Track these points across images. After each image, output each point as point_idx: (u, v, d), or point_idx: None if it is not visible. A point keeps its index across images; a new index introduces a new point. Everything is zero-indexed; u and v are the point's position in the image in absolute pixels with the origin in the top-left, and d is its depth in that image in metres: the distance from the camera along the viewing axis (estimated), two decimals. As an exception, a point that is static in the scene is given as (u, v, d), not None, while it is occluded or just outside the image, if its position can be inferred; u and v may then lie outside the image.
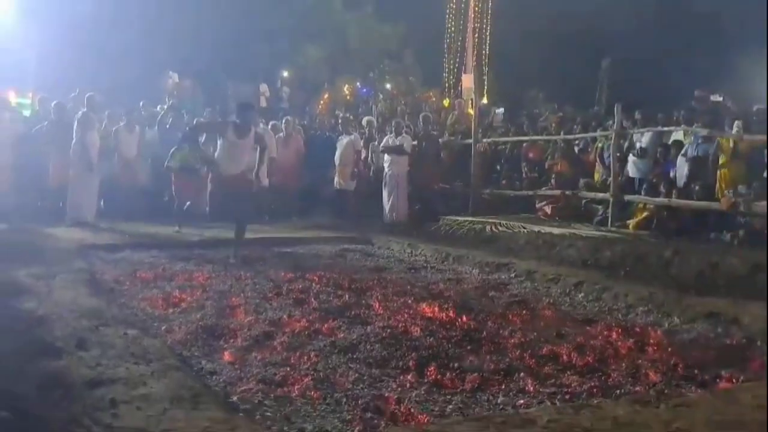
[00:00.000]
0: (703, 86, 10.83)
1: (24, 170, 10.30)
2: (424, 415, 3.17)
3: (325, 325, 4.63)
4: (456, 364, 3.88)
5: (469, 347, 4.25)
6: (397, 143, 11.18)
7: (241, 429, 2.70)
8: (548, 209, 10.25)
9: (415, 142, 11.75)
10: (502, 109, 15.82)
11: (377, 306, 5.29)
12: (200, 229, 9.21)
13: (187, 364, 3.79)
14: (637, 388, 3.61)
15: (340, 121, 13.87)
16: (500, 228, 9.38)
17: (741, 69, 14.63)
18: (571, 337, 4.59)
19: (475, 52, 21.33)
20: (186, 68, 18.77)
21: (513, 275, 6.98)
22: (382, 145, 11.59)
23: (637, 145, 9.69)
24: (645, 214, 8.92)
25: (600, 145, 10.35)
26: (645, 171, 9.50)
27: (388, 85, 21.53)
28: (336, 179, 11.52)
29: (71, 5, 17.07)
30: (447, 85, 22.20)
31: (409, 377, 3.69)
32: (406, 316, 4.98)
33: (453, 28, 22.01)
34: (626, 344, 4.41)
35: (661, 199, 8.60)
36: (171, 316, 4.89)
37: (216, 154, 7.47)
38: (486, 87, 20.82)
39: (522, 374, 3.75)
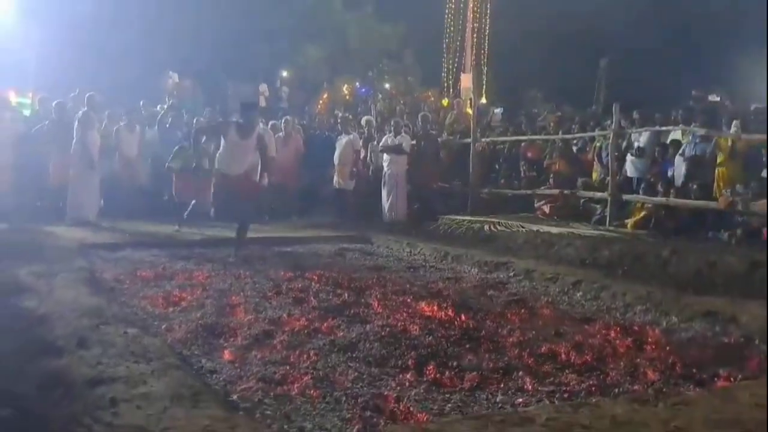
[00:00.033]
0: (701, 86, 10.85)
1: (24, 170, 10.30)
2: (423, 414, 3.18)
3: (325, 324, 4.65)
4: (455, 363, 3.89)
5: (467, 346, 4.26)
6: (396, 143, 11.19)
7: (241, 427, 2.71)
8: (547, 208, 10.26)
9: (414, 142, 11.76)
10: (500, 109, 15.84)
11: (376, 305, 5.31)
12: (201, 228, 9.23)
13: (187, 362, 3.80)
14: (636, 387, 3.62)
15: (339, 120, 13.89)
16: (499, 227, 9.39)
17: (739, 69, 14.65)
18: (570, 335, 4.60)
19: (474, 52, 21.37)
20: (186, 68, 18.80)
21: (511, 274, 6.99)
22: (381, 144, 11.61)
23: (635, 144, 9.71)
24: (643, 213, 8.94)
25: (598, 144, 10.35)
26: (643, 170, 9.51)
27: (387, 85, 21.55)
28: (335, 179, 11.53)
29: (71, 5, 17.08)
30: (446, 84, 22.25)
31: (408, 376, 3.70)
32: (405, 314, 5.00)
33: (452, 28, 22.07)
34: (624, 343, 4.42)
35: (659, 199, 8.62)
36: (171, 315, 4.90)
37: (219, 154, 7.47)
38: (485, 87, 20.87)
39: (521, 373, 3.77)
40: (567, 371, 3.84)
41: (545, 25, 20.32)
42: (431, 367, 3.80)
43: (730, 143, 8.24)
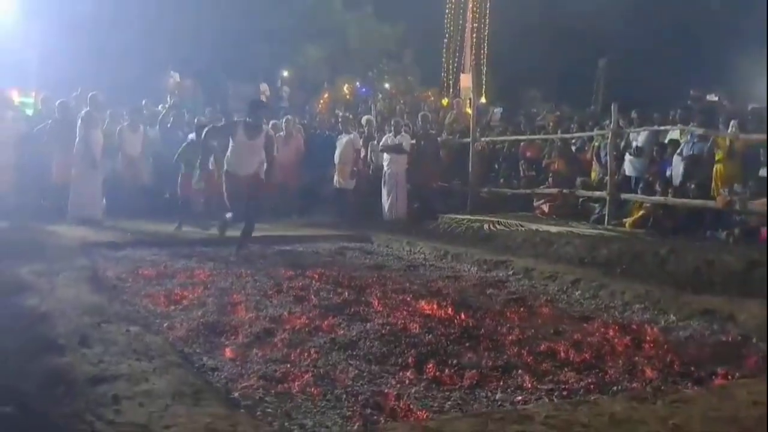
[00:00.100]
0: (699, 86, 10.88)
1: (27, 169, 10.34)
2: (423, 412, 3.20)
3: (325, 322, 4.67)
4: (455, 361, 3.91)
5: (467, 344, 4.28)
6: (396, 142, 11.22)
7: (242, 425, 2.72)
8: (546, 207, 10.29)
9: (414, 141, 11.78)
10: (500, 109, 15.84)
11: (376, 303, 5.32)
12: (202, 227, 9.25)
13: (189, 360, 3.82)
14: (634, 385, 3.64)
15: (339, 120, 13.92)
16: (498, 226, 9.41)
17: (737, 69, 14.67)
18: (569, 334, 4.62)
19: (474, 51, 21.37)
20: (186, 68, 18.80)
21: (511, 273, 7.01)
22: (381, 144, 11.63)
23: (634, 144, 9.74)
24: (641, 212, 8.97)
25: (597, 144, 10.38)
26: (641, 170, 9.54)
27: (387, 85, 21.54)
28: (335, 178, 11.55)
29: (72, 5, 17.08)
30: (445, 84, 22.25)
31: (408, 374, 3.72)
32: (405, 313, 5.02)
33: (452, 28, 22.06)
34: (623, 341, 4.44)
35: (657, 198, 8.65)
36: (173, 313, 4.92)
37: (228, 155, 7.45)
38: (484, 86, 20.88)
39: (520, 371, 3.78)
40: (566, 369, 3.86)
41: (544, 25, 20.34)
42: (431, 365, 3.82)
43: (728, 143, 8.27)
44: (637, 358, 4.10)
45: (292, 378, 3.54)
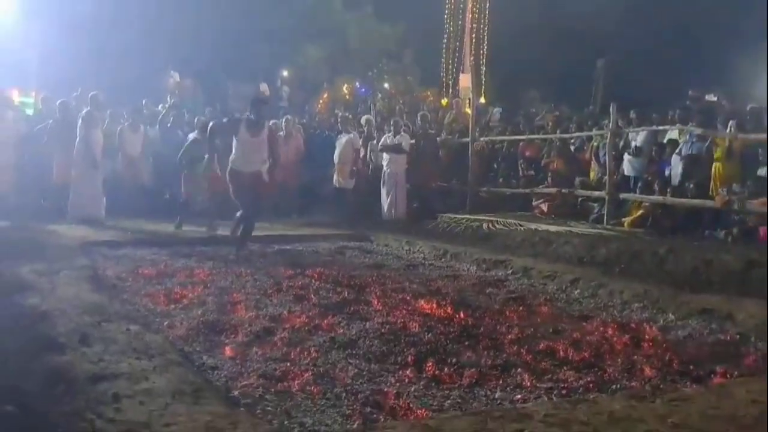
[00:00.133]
0: (698, 86, 10.89)
1: (27, 169, 10.34)
2: (423, 410, 3.20)
3: (325, 321, 4.68)
4: (454, 360, 3.92)
5: (466, 343, 4.29)
6: (396, 142, 11.22)
7: (242, 423, 2.73)
8: (545, 207, 10.30)
9: (413, 141, 11.79)
10: (499, 109, 15.85)
11: (376, 302, 5.34)
12: (209, 227, 9.25)
13: (189, 359, 3.83)
14: (633, 384, 3.66)
15: (339, 120, 13.90)
16: (497, 225, 9.43)
17: (736, 69, 14.68)
18: (568, 333, 4.64)
19: (473, 52, 21.37)
20: (186, 68, 18.80)
21: (510, 272, 7.02)
22: (380, 143, 11.63)
23: (633, 143, 9.75)
24: (640, 212, 8.97)
25: (596, 143, 10.39)
26: (640, 169, 9.55)
27: (386, 85, 21.54)
28: (335, 177, 11.56)
29: (72, 5, 17.08)
30: (445, 84, 22.23)
31: (407, 372, 3.73)
32: (404, 312, 5.03)
33: (451, 29, 22.04)
34: (622, 340, 4.45)
35: (656, 197, 8.66)
36: (173, 312, 4.93)
37: (233, 153, 7.41)
38: (483, 86, 20.87)
39: (519, 369, 3.79)
40: (565, 368, 3.87)
41: (543, 25, 20.34)
42: (430, 363, 3.83)
43: (726, 143, 8.28)
44: (635, 356, 4.11)
45: (292, 376, 3.55)
